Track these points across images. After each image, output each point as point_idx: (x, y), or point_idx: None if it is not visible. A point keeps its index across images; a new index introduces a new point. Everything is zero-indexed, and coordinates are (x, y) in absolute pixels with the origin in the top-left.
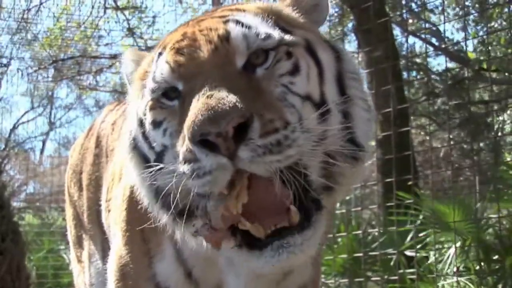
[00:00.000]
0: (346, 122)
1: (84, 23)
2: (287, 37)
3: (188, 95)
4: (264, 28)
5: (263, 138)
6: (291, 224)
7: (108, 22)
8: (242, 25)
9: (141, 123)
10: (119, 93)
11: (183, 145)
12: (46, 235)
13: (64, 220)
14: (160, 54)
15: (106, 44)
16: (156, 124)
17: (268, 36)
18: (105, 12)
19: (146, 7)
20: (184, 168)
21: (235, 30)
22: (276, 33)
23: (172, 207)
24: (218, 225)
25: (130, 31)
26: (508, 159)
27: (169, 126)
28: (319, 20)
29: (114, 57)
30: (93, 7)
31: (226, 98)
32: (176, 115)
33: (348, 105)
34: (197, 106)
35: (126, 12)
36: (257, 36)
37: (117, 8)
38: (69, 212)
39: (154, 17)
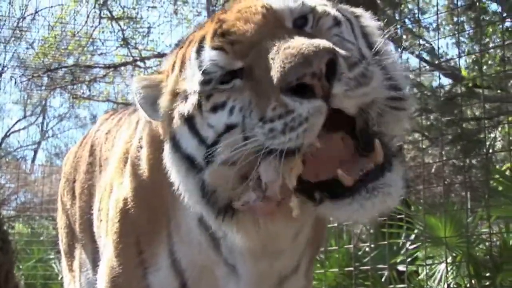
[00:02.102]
0: (385, 74)
1: (78, 32)
2: (314, 1)
3: (255, 65)
4: None
5: (351, 71)
6: (375, 164)
7: (103, 32)
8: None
9: (188, 121)
10: (113, 103)
11: (268, 106)
12: (36, 244)
13: (54, 230)
14: (200, 49)
15: (101, 54)
16: (217, 107)
17: (303, 2)
18: (100, 22)
19: (141, 18)
20: (275, 125)
21: (275, 1)
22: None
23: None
24: (274, 194)
25: (125, 42)
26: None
27: (236, 103)
28: None
29: (108, 67)
30: (88, 16)
31: (306, 41)
32: (241, 92)
33: (381, 58)
34: (281, 58)
35: (121, 23)
36: (294, 3)
37: (112, 18)
38: (61, 221)
39: (149, 27)
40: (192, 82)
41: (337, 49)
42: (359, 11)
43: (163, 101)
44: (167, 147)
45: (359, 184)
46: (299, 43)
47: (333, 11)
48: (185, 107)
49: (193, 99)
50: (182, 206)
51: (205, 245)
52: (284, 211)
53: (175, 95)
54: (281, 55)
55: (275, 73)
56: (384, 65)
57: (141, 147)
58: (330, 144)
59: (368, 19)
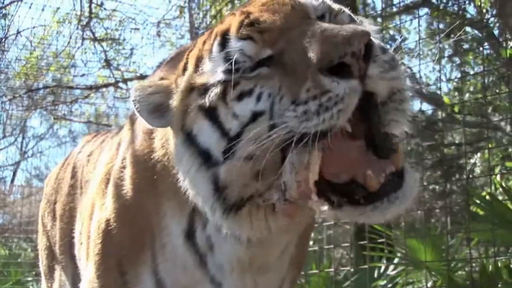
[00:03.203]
0: None
1: (61, 53)
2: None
3: (286, 51)
4: None
5: (384, 54)
6: (396, 169)
7: (85, 53)
8: None
9: (209, 113)
10: (94, 124)
11: (301, 88)
12: (14, 266)
13: (32, 252)
14: (223, 41)
15: (83, 75)
16: (244, 94)
17: (324, 1)
18: (82, 43)
19: (124, 40)
20: (309, 106)
21: None
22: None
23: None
24: (293, 196)
25: (107, 63)
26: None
27: (264, 90)
28: None
29: (90, 88)
30: (70, 37)
31: (342, 26)
32: (270, 79)
33: None
34: (320, 40)
35: (104, 44)
36: (317, 1)
37: (95, 39)
38: (41, 242)
39: (131, 49)
40: (214, 74)
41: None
42: (360, 17)
43: (176, 101)
44: (178, 143)
45: (381, 191)
46: (336, 27)
47: (346, 10)
48: (206, 99)
49: (216, 90)
50: (167, 224)
51: (191, 263)
52: (303, 213)
53: (189, 91)
54: (320, 36)
55: (314, 54)
56: None
57: (124, 168)
58: (349, 145)
59: (368, 24)
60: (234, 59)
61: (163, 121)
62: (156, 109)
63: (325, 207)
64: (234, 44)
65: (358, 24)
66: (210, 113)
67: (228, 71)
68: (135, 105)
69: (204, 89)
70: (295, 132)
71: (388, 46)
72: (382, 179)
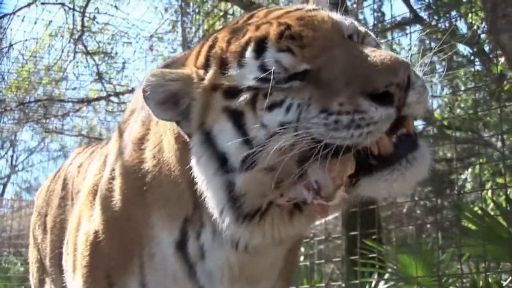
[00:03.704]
0: None
1: (52, 66)
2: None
3: (324, 67)
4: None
5: (418, 79)
6: (408, 131)
7: (77, 66)
8: (335, 14)
9: (235, 118)
10: (86, 137)
11: (333, 101)
12: (3, 280)
13: (22, 266)
14: (260, 49)
15: (74, 89)
16: (275, 105)
17: (352, 22)
18: (74, 56)
19: (116, 53)
20: (341, 118)
21: (335, 14)
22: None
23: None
24: (328, 192)
25: (99, 76)
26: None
27: (294, 101)
28: None
29: (81, 101)
30: (62, 51)
31: (385, 52)
32: (301, 91)
33: None
34: (365, 64)
35: (96, 57)
36: (348, 21)
37: (87, 53)
38: (32, 255)
39: (124, 63)
40: (244, 79)
41: None
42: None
43: (199, 95)
44: (196, 141)
45: (396, 151)
46: (380, 53)
47: (371, 33)
48: (235, 101)
49: (245, 95)
50: (157, 235)
51: (181, 273)
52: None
53: (213, 89)
54: (363, 62)
55: (357, 78)
56: None
57: (113, 179)
58: None
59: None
60: (270, 69)
61: (172, 113)
62: (169, 99)
63: (345, 191)
64: (272, 55)
65: (383, 48)
66: (236, 117)
67: (262, 80)
68: (146, 92)
69: (232, 92)
70: (320, 139)
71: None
72: (394, 139)
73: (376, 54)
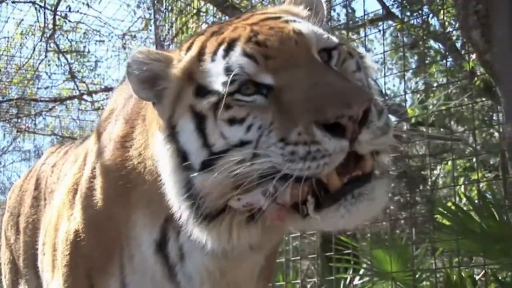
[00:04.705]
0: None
1: (24, 65)
2: (338, 39)
3: (286, 87)
4: (320, 30)
5: (379, 121)
6: (363, 172)
7: (49, 65)
8: (304, 24)
9: (198, 119)
10: (58, 137)
11: (292, 130)
12: None
13: None
14: (229, 49)
15: (46, 88)
16: (235, 121)
17: (329, 36)
18: (46, 55)
19: (88, 52)
20: (298, 149)
21: (305, 27)
22: (332, 36)
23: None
24: (285, 201)
25: (72, 75)
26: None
27: (256, 121)
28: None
29: (54, 100)
30: (34, 49)
31: (348, 83)
32: (264, 111)
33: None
34: (321, 93)
35: (68, 56)
36: (321, 35)
37: (59, 51)
38: (4, 256)
39: (96, 62)
40: (213, 79)
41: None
42: (363, 51)
43: (173, 77)
44: (161, 134)
45: (345, 189)
46: (342, 83)
47: (354, 54)
48: (200, 103)
49: (211, 99)
50: (137, 234)
51: (160, 274)
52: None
53: (189, 80)
54: (322, 90)
55: (313, 105)
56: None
57: (94, 178)
58: None
59: (369, 60)
60: (233, 72)
61: (150, 93)
62: (151, 78)
63: (296, 218)
64: (237, 58)
65: (363, 75)
66: (199, 119)
67: (225, 84)
68: (130, 67)
69: (202, 91)
70: (278, 169)
71: (382, 105)
72: (345, 179)
73: (338, 83)
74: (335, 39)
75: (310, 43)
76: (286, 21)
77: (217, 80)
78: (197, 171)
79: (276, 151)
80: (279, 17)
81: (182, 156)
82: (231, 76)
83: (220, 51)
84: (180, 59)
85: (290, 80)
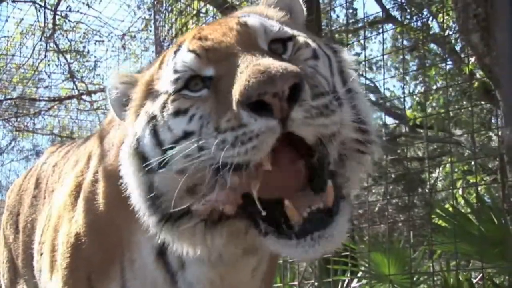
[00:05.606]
0: (354, 113)
1: (24, 65)
2: (296, 32)
3: (224, 76)
4: (273, 22)
5: (314, 100)
6: (325, 206)
7: (49, 65)
8: (254, 18)
9: (151, 120)
10: (58, 136)
11: (223, 117)
12: None
13: None
14: (177, 50)
15: (46, 87)
16: (180, 112)
17: (281, 28)
18: (46, 55)
19: (88, 52)
20: (227, 136)
21: (251, 19)
22: (287, 28)
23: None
24: (223, 199)
25: (71, 75)
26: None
27: (198, 112)
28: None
29: (53, 100)
30: (34, 49)
31: (276, 62)
32: (205, 102)
33: (353, 97)
34: (247, 73)
35: (68, 56)
36: (271, 26)
37: (58, 51)
38: (3, 255)
39: (96, 62)
40: (164, 82)
41: (305, 76)
42: (338, 46)
43: (137, 93)
44: (126, 142)
45: (305, 227)
46: (268, 62)
47: (313, 44)
48: (153, 106)
49: (161, 99)
50: (138, 240)
51: (161, 281)
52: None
53: (147, 90)
54: (249, 70)
55: (238, 87)
56: (355, 104)
57: (96, 181)
58: (286, 168)
59: (345, 54)
60: (177, 69)
61: (123, 114)
62: (123, 100)
63: (254, 234)
64: (181, 57)
65: (320, 64)
66: (152, 120)
67: (172, 82)
68: (108, 92)
69: (155, 95)
70: (215, 159)
71: (324, 89)
72: (305, 213)
73: (266, 64)
74: (289, 31)
75: (255, 33)
76: (238, 17)
77: (167, 81)
78: (155, 171)
79: (212, 142)
80: (234, 16)
81: (143, 160)
82: (177, 74)
83: (171, 54)
84: (144, 76)
85: (228, 69)
